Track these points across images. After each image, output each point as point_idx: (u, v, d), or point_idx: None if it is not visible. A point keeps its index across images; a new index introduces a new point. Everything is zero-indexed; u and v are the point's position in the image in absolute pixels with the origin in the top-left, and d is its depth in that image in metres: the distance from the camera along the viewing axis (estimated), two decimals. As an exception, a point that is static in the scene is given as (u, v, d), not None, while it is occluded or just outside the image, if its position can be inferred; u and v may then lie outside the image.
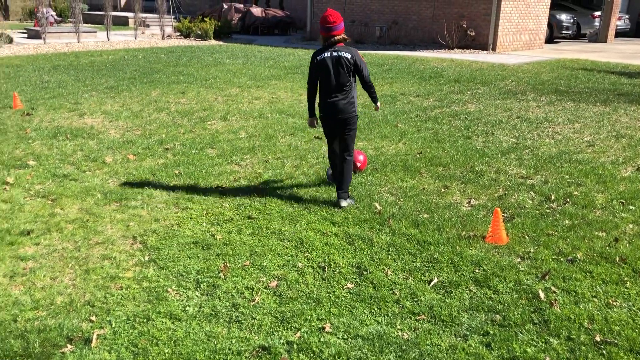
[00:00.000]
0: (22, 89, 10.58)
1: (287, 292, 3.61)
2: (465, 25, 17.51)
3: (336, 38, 4.78)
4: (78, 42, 19.25)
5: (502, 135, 7.53)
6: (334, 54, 4.78)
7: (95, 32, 21.15)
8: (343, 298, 3.56)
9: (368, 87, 5.08)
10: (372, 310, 3.43)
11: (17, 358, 2.94)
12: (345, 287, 3.69)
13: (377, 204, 5.04)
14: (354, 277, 3.83)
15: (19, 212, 4.86)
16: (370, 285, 3.72)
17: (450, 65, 14.28)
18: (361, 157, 5.91)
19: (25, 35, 21.27)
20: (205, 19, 21.66)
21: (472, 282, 3.76)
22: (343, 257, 4.10)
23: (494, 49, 17.37)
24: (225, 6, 24.14)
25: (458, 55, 16.50)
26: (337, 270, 3.92)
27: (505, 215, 4.86)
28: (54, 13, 25.06)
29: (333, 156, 5.15)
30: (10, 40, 18.32)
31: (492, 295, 3.59)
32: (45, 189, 5.42)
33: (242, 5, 24.45)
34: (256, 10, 23.92)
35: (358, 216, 4.82)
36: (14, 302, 3.48)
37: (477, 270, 3.90)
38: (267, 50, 17.66)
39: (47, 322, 3.25)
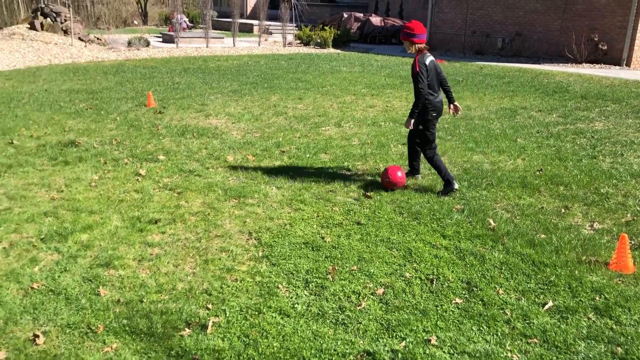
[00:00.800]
0: (155, 89, 11.46)
1: (394, 301, 3.61)
2: (596, 39, 16.47)
3: (425, 45, 5.45)
4: (207, 47, 20.47)
5: (633, 157, 7.00)
6: (432, 58, 5.46)
7: (223, 38, 22.38)
8: (451, 312, 3.50)
9: (448, 88, 5.71)
10: (481, 328, 3.34)
11: (142, 335, 3.20)
12: (453, 301, 3.63)
13: (491, 220, 4.89)
14: (463, 292, 3.75)
15: (148, 202, 5.28)
16: (479, 302, 3.62)
17: (577, 80, 13.49)
18: (399, 173, 5.63)
19: (161, 40, 22.97)
20: (325, 27, 22.18)
21: (591, 309, 3.54)
22: (452, 272, 4.02)
23: (628, 65, 16.17)
24: (345, 15, 24.55)
25: (586, 70, 15.55)
26: (446, 284, 3.86)
27: (632, 242, 4.52)
28: (186, 19, 26.87)
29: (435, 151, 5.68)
30: (148, 44, 19.89)
31: (614, 327, 3.36)
32: (173, 183, 5.83)
33: (361, 15, 24.73)
34: (375, 20, 24.09)
35: (470, 231, 4.71)
36: (141, 284, 3.78)
37: (597, 298, 3.67)
38: (384, 59, 17.72)
39: (168, 305, 3.51)
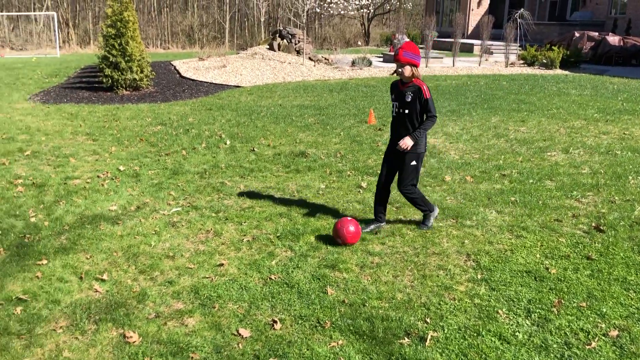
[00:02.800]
0: (375, 107, 11.99)
1: (630, 346, 3.29)
2: None
3: None
4: (426, 66, 20.76)
5: None
6: None
7: (442, 57, 22.47)
8: (702, 371, 3.07)
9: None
10: None
11: (365, 337, 3.40)
12: None
13: None
14: None
15: (369, 214, 5.56)
16: None
17: None
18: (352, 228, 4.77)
19: (381, 59, 23.89)
20: (552, 47, 20.92)
21: None
22: None
23: None
24: (577, 34, 22.85)
25: None
26: (696, 338, 3.39)
27: None
28: (407, 39, 27.58)
29: None
30: (370, 64, 20.86)
31: None
32: (391, 198, 6.05)
33: (596, 34, 22.77)
34: (613, 39, 21.98)
35: None
36: (363, 289, 4.02)
37: None
38: (622, 82, 16.08)
39: (389, 313, 3.67)
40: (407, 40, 25.83)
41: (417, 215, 5.40)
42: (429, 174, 6.92)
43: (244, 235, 5.04)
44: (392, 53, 22.01)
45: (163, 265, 4.41)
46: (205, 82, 16.71)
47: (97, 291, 3.97)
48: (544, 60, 20.48)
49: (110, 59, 13.91)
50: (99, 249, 4.70)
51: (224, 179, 6.75)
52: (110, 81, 14.14)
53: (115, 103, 12.90)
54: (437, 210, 5.28)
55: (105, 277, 4.18)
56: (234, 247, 4.76)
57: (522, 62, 21.72)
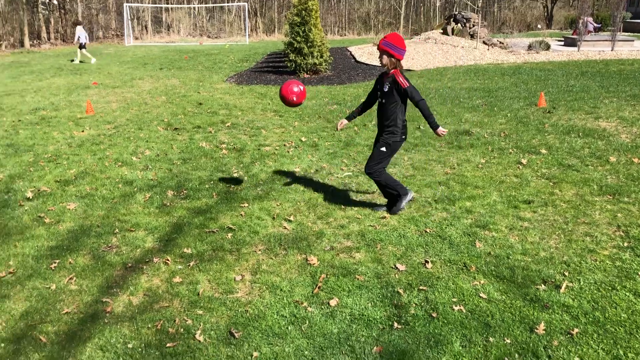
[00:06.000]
0: (547, 90, 11.82)
1: None
2: None
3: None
4: (611, 50, 19.42)
5: None
6: None
7: (632, 41, 20.77)
8: None
9: None
10: None
11: (505, 280, 3.92)
12: None
13: None
14: None
15: (525, 186, 5.91)
16: None
17: None
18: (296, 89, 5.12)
19: (562, 43, 22.75)
20: None
21: None
22: None
23: None
24: None
25: None
26: None
27: None
28: (593, 22, 25.75)
29: None
30: (548, 47, 20.08)
31: None
32: (550, 173, 6.30)
33: None
34: None
35: None
36: (509, 245, 4.49)
37: None
38: None
39: (529, 265, 4.13)
40: (592, 22, 24.21)
41: (569, 191, 5.63)
42: (593, 155, 6.97)
43: (406, 197, 5.73)
44: (575, 36, 20.87)
45: (336, 214, 5.29)
46: (378, 66, 17.57)
47: (285, 228, 4.97)
48: None
49: (295, 45, 15.38)
50: (286, 198, 5.74)
51: (390, 151, 7.50)
52: (293, 65, 15.65)
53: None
54: (411, 194, 5.22)
55: (291, 218, 5.18)
56: (396, 206, 5.49)
57: None
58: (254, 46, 29.77)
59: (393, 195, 5.20)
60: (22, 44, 32.83)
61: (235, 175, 6.61)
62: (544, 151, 7.21)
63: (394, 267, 4.19)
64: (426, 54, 19.33)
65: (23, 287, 3.98)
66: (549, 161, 6.78)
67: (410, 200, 5.29)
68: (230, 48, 27.97)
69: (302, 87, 5.21)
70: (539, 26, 40.21)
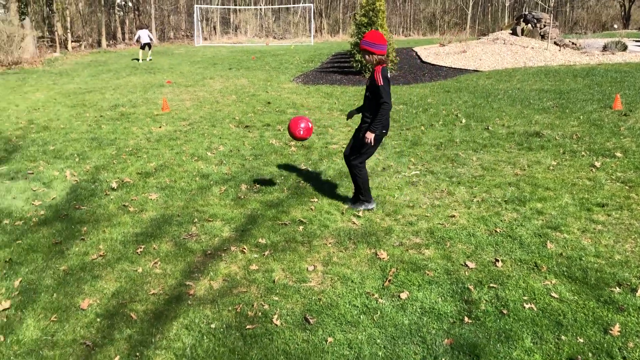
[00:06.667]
0: (624, 93, 11.40)
1: None
2: None
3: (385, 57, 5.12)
4: (694, 51, 18.43)
5: None
6: None
7: None
8: None
9: None
10: None
11: (577, 281, 3.90)
12: None
13: None
14: None
15: (598, 189, 5.79)
16: None
17: None
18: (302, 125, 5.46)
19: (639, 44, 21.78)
20: None
21: None
22: None
23: None
24: None
25: None
26: None
27: None
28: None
29: None
30: (625, 48, 19.27)
31: None
32: (626, 177, 6.14)
33: None
34: None
35: None
36: (581, 247, 4.44)
37: None
38: None
39: (603, 268, 4.08)
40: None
41: (650, 194, 5.47)
42: (672, 159, 6.72)
43: (474, 197, 5.74)
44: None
45: (404, 211, 5.38)
46: (444, 66, 17.43)
47: (354, 223, 5.10)
48: None
49: (361, 45, 15.51)
50: (355, 195, 5.87)
51: (458, 151, 7.49)
52: (359, 65, 15.78)
53: (363, 85, 14.43)
54: (373, 205, 5.45)
55: (360, 214, 5.31)
56: (464, 205, 5.52)
57: None
58: (318, 47, 30.11)
59: (359, 191, 5.43)
60: (99, 44, 34.57)
61: (304, 171, 6.80)
62: (619, 154, 7.01)
63: (463, 264, 4.24)
64: (494, 54, 18.99)
65: (113, 269, 4.30)
66: (625, 165, 6.59)
67: (371, 210, 5.43)
68: (295, 49, 28.41)
69: (310, 125, 5.54)
70: (615, 26, 38.56)
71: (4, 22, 22.34)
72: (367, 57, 5.05)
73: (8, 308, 3.72)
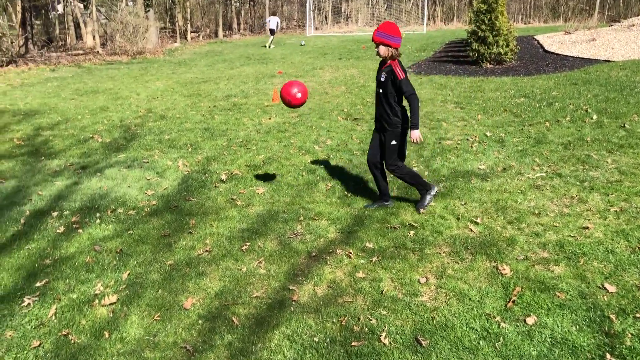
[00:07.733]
0: None
1: None
2: None
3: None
4: None
5: None
6: None
7: None
8: None
9: None
10: None
11: None
12: None
13: None
14: None
15: None
16: None
17: None
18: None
19: None
20: None
21: None
22: None
23: None
24: None
25: None
26: None
27: None
28: None
29: None
30: None
31: None
32: None
33: None
34: None
35: None
36: None
37: None
38: None
39: None
40: None
41: None
42: None
43: (611, 205, 5.05)
44: None
45: (529, 219, 4.83)
46: (570, 56, 16.08)
47: (471, 230, 4.65)
48: None
49: (479, 34, 14.65)
50: (471, 198, 5.40)
51: (589, 152, 6.72)
52: (476, 55, 14.94)
53: (480, 75, 13.62)
54: (434, 189, 5.17)
55: (478, 220, 4.84)
56: (599, 215, 4.86)
57: None
58: (431, 35, 29.17)
59: (418, 189, 5.18)
60: (216, 35, 35.96)
61: (415, 169, 6.41)
62: None
63: (601, 286, 3.68)
64: (629, 42, 17.21)
65: (217, 266, 4.21)
66: None
67: (435, 195, 5.23)
68: (407, 37, 27.70)
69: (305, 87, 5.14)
70: None
71: (131, 14, 23.76)
72: (382, 49, 4.76)
73: (115, 302, 3.72)
